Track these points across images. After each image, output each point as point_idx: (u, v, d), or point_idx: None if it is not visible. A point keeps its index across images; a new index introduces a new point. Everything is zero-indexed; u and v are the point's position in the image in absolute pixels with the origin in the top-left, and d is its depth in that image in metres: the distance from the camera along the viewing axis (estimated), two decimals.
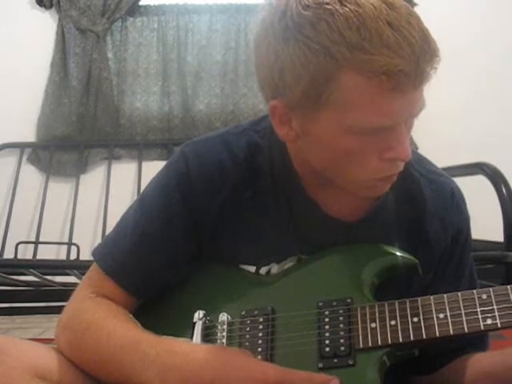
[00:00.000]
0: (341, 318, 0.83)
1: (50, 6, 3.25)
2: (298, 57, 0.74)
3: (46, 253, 2.91)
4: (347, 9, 0.72)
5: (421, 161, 0.96)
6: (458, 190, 0.97)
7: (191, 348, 0.82)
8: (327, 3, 0.73)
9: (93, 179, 3.23)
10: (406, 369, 0.90)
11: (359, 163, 0.80)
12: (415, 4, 2.99)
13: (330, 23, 0.72)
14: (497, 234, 2.16)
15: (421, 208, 0.92)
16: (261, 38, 0.81)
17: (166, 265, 0.92)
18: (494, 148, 2.95)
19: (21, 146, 3.22)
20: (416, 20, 0.74)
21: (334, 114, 0.76)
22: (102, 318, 0.87)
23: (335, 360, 0.80)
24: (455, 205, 0.95)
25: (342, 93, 0.74)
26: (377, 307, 0.82)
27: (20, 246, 2.67)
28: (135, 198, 2.94)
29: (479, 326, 0.77)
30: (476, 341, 0.92)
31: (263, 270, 0.92)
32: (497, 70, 3.24)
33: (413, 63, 0.72)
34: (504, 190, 2.17)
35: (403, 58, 0.71)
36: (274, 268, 0.92)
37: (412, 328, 0.79)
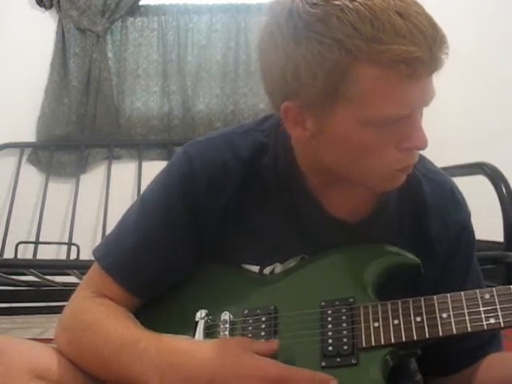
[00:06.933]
0: (343, 318, 0.82)
1: (50, 6, 3.25)
2: (312, 54, 0.75)
3: (46, 253, 2.91)
4: (356, 3, 0.73)
5: (421, 160, 0.96)
6: (457, 189, 0.97)
7: (191, 346, 0.82)
8: None
9: (93, 179, 3.23)
10: (424, 370, 0.90)
11: (377, 156, 0.80)
12: None
13: (341, 18, 0.73)
14: (497, 234, 2.15)
15: (422, 206, 0.92)
16: (267, 43, 0.81)
17: (167, 265, 0.92)
18: (494, 148, 2.94)
19: (21, 146, 3.21)
20: (421, 8, 0.76)
21: (352, 108, 0.76)
22: (102, 317, 0.87)
23: (338, 359, 0.80)
24: (456, 203, 0.95)
25: (359, 85, 0.75)
26: (379, 307, 0.82)
27: (20, 246, 2.66)
28: (135, 198, 2.93)
29: (482, 325, 0.77)
30: (492, 339, 0.92)
31: (267, 270, 0.92)
32: (497, 69, 3.23)
33: (427, 50, 0.73)
34: (504, 190, 2.16)
35: (418, 46, 0.72)
36: (278, 268, 0.92)
37: (415, 327, 0.79)
